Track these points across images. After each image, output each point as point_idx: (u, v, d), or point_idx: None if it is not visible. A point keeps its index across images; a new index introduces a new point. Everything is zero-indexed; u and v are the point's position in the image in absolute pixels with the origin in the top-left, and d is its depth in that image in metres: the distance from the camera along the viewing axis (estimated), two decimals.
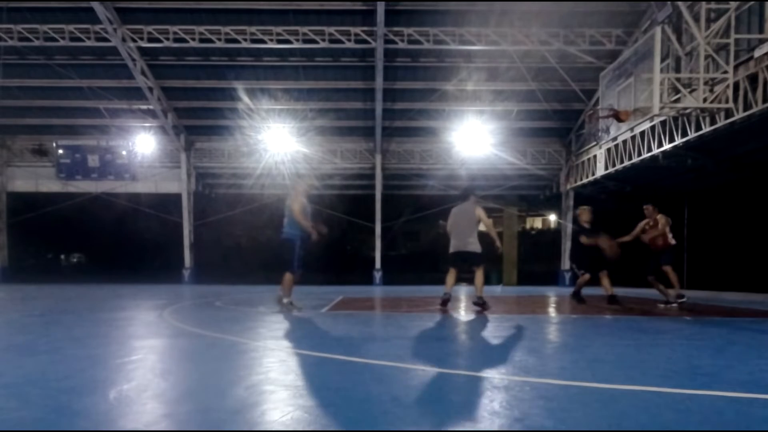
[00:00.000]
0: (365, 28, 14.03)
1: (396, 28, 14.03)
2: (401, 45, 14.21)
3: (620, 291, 9.21)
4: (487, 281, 10.14)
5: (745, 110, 9.20)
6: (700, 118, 10.26)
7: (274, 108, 16.63)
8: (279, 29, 14.17)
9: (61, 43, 14.27)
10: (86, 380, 2.76)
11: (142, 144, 18.10)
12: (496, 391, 2.49)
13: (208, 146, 18.74)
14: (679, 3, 9.64)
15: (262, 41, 14.29)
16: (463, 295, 10.30)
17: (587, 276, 8.15)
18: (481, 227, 7.28)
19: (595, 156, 16.06)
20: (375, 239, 18.90)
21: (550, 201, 21.05)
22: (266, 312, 6.93)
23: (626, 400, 2.40)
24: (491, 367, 3.20)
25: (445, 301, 7.18)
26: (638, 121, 10.85)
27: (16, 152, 18.79)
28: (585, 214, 8.26)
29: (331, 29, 14.12)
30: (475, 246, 7.09)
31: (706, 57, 9.42)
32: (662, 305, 8.08)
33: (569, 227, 18.66)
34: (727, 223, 15.00)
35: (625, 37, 13.87)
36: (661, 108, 9.57)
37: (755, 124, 9.41)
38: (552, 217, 29.67)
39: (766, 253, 13.24)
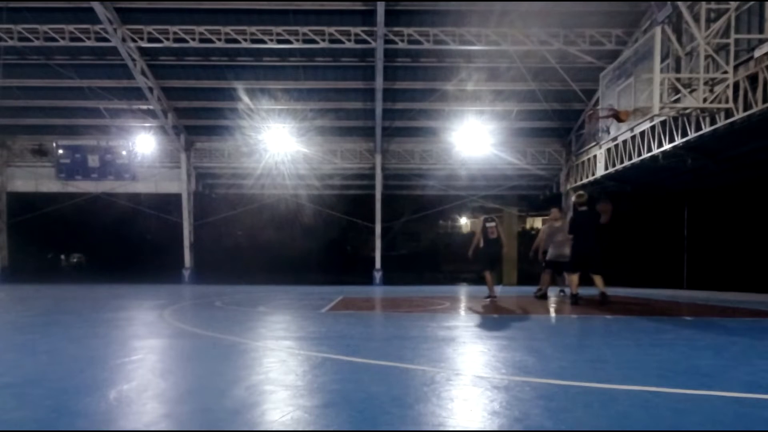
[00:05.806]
0: (365, 28, 14.01)
1: (396, 28, 14.01)
2: (401, 45, 14.21)
3: (621, 291, 9.20)
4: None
5: (745, 110, 9.18)
6: (700, 118, 10.25)
7: (274, 108, 16.60)
8: (279, 29, 14.16)
9: (61, 43, 14.25)
10: (86, 380, 2.76)
11: (142, 144, 18.07)
12: (496, 391, 2.49)
13: (208, 146, 18.73)
14: (679, 3, 9.63)
15: (262, 41, 14.28)
16: (464, 295, 10.29)
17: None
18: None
19: (595, 156, 16.05)
20: (375, 239, 18.88)
21: (550, 201, 21.02)
22: (266, 312, 6.93)
23: (626, 400, 2.40)
24: (491, 367, 3.20)
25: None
26: (638, 121, 10.83)
27: (16, 152, 18.76)
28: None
29: (331, 29, 14.11)
30: None
31: (706, 57, 9.41)
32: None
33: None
34: (727, 223, 14.98)
35: (625, 37, 13.86)
36: (661, 108, 9.55)
37: (755, 124, 9.39)
38: None
39: (766, 253, 13.23)
